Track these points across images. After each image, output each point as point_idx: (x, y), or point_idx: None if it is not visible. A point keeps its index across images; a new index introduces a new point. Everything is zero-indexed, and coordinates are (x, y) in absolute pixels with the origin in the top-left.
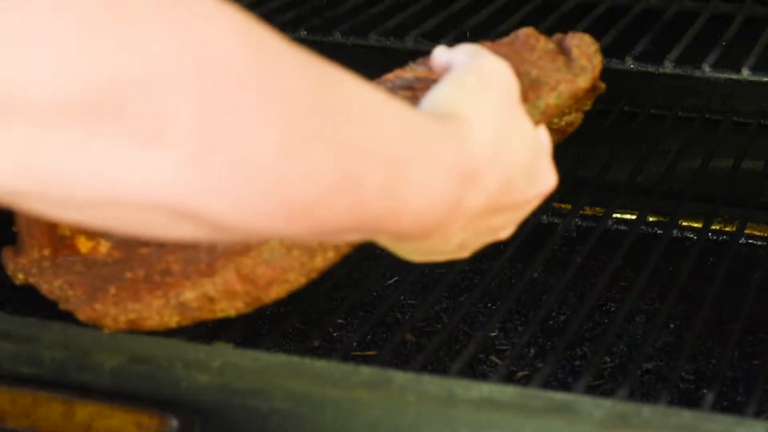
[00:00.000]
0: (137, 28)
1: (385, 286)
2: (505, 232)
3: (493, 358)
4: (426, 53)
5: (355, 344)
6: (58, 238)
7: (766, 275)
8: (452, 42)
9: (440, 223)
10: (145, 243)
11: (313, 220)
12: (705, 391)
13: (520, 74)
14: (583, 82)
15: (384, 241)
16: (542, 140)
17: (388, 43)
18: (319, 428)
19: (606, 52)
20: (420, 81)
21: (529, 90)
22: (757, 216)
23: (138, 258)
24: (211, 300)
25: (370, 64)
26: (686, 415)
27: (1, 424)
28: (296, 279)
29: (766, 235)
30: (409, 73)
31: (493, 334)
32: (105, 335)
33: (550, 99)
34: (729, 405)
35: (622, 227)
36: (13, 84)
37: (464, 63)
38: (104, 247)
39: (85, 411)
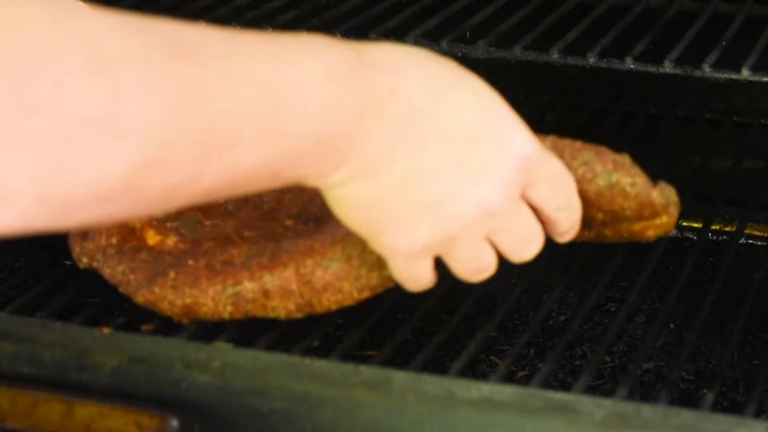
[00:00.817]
0: None
1: None
2: (491, 200)
3: (493, 358)
4: None
5: (355, 344)
6: (128, 228)
7: (766, 275)
8: (452, 42)
9: (340, 145)
10: (212, 237)
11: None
12: (705, 391)
13: (605, 153)
14: (656, 197)
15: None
16: (499, 105)
17: None
18: (319, 428)
19: (606, 52)
20: None
21: (611, 163)
22: (757, 216)
23: (203, 250)
24: (266, 294)
25: None
26: (686, 415)
27: (1, 424)
28: (349, 291)
29: (766, 235)
30: None
31: (493, 334)
32: (105, 335)
33: (623, 180)
34: (729, 405)
35: None
36: None
37: None
38: (171, 240)
39: (85, 411)
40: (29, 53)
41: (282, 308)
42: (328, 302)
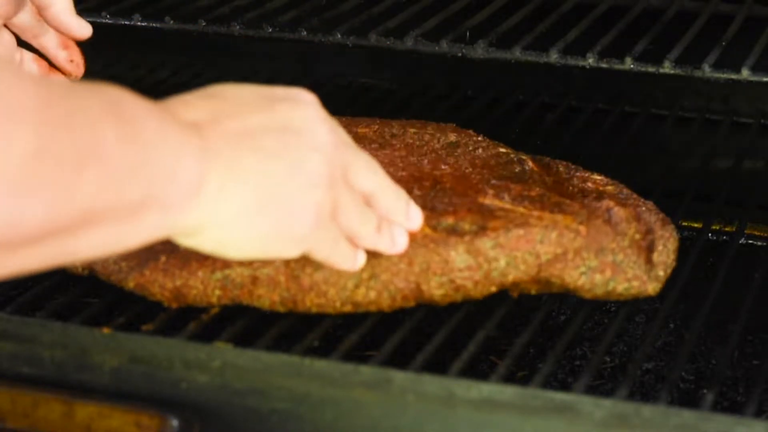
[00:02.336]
0: None
1: None
2: (318, 176)
3: (493, 358)
4: (425, 53)
5: (355, 344)
6: None
7: (766, 275)
8: (452, 42)
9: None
10: None
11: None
12: (705, 391)
13: (606, 249)
14: (652, 290)
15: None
16: (303, 97)
17: (388, 43)
18: (319, 428)
19: (606, 52)
20: None
21: (609, 267)
22: (757, 216)
23: None
24: (255, 281)
25: (370, 64)
26: (686, 415)
27: (1, 424)
28: (332, 299)
29: (766, 235)
30: None
31: (493, 334)
32: (105, 335)
33: (619, 286)
34: (729, 405)
35: None
36: None
37: None
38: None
39: (85, 411)
40: None
41: (267, 298)
42: (311, 303)
